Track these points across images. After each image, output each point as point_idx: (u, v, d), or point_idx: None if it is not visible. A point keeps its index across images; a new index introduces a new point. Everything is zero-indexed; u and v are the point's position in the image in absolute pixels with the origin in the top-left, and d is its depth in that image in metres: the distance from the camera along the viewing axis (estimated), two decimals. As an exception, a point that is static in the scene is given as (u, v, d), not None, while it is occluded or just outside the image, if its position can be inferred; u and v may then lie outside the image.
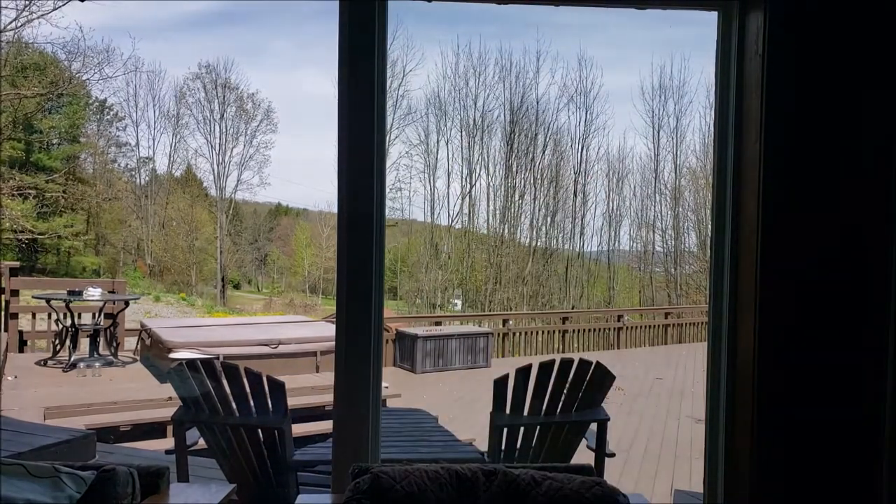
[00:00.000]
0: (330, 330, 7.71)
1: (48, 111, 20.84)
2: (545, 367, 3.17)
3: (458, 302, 22.11)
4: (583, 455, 3.26)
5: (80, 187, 21.90)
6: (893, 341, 1.92)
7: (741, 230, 2.05)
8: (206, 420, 3.09)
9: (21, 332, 8.04)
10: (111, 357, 7.53)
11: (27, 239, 19.11)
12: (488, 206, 22.29)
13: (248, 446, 3.06)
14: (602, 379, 3.24)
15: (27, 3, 15.59)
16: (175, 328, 8.48)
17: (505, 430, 3.17)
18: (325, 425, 5.38)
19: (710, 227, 2.23)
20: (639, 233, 22.81)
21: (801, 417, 1.95)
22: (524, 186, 22.12)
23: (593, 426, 3.28)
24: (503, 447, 3.17)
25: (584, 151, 22.11)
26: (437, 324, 11.58)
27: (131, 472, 1.67)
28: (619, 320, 13.54)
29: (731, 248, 2.09)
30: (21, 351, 7.92)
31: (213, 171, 23.99)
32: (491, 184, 22.17)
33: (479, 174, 22.17)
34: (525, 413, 3.18)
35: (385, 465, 1.68)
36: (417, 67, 24.06)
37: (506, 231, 21.97)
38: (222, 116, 23.72)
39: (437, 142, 22.23)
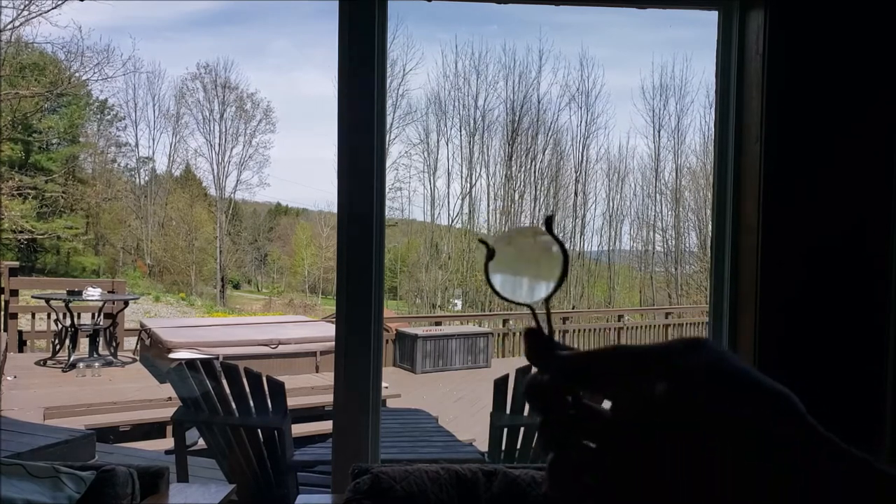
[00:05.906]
0: (330, 330, 7.70)
1: (47, 111, 20.82)
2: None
3: (458, 302, 22.09)
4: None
5: (79, 187, 21.89)
6: (893, 341, 1.92)
7: (741, 230, 2.05)
8: (206, 420, 3.09)
9: (21, 332, 8.04)
10: (111, 357, 7.53)
11: (27, 239, 19.09)
12: (488, 205, 22.29)
13: (247, 446, 3.06)
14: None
15: (26, 2, 15.57)
16: (175, 328, 8.48)
17: (505, 430, 3.17)
18: (325, 425, 5.38)
19: (710, 227, 2.22)
20: (639, 232, 22.81)
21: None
22: (524, 186, 22.12)
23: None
24: (503, 447, 3.17)
25: (585, 151, 22.10)
26: (437, 324, 11.57)
27: (131, 472, 1.67)
28: (619, 320, 13.55)
29: (731, 248, 2.08)
30: (20, 351, 7.92)
31: (213, 170, 23.96)
32: (491, 183, 22.17)
33: (480, 174, 22.17)
34: (525, 413, 3.18)
35: (385, 465, 1.68)
36: (418, 67, 23.96)
37: (506, 231, 21.92)
38: (222, 116, 23.65)
39: (437, 141, 22.18)
